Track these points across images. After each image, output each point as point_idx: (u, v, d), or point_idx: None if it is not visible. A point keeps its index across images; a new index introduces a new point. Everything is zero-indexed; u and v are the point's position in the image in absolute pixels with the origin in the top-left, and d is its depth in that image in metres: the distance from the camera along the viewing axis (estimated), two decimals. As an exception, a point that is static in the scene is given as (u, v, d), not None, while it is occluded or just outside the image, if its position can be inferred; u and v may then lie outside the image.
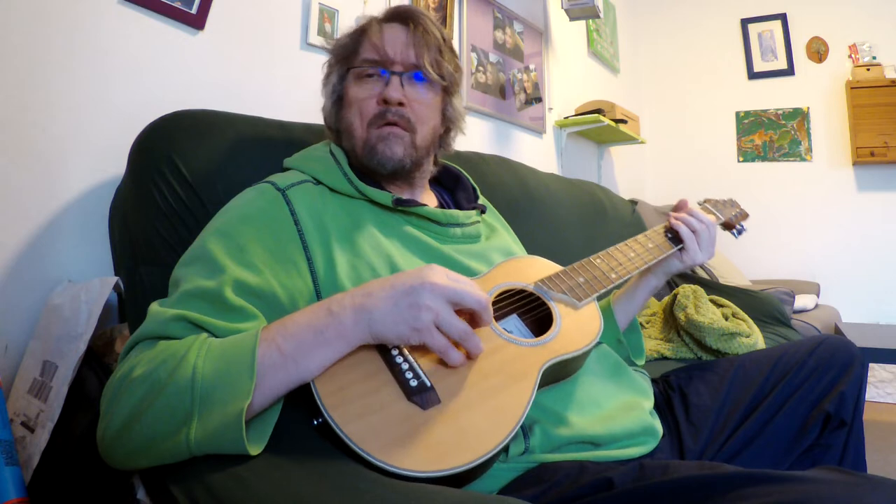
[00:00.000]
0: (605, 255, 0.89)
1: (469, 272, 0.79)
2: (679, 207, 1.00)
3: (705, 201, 1.07)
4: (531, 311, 0.77)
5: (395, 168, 0.82)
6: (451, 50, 0.88)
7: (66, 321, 0.90)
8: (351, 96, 0.84)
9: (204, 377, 0.54)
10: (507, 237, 0.98)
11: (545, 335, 0.71)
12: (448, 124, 0.91)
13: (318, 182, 0.81)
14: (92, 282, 0.93)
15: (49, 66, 0.99)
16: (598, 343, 0.83)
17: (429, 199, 0.91)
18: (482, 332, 0.67)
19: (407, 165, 0.83)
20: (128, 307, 0.90)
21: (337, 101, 0.87)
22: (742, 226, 1.10)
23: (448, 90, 0.88)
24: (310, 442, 0.58)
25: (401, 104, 0.81)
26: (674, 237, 0.96)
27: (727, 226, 1.07)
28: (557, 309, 0.76)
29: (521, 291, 0.78)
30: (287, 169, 0.86)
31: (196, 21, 1.22)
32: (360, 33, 0.85)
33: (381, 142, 0.81)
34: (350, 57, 0.84)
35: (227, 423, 0.53)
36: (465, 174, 0.98)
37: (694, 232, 0.95)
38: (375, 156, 0.81)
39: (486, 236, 0.92)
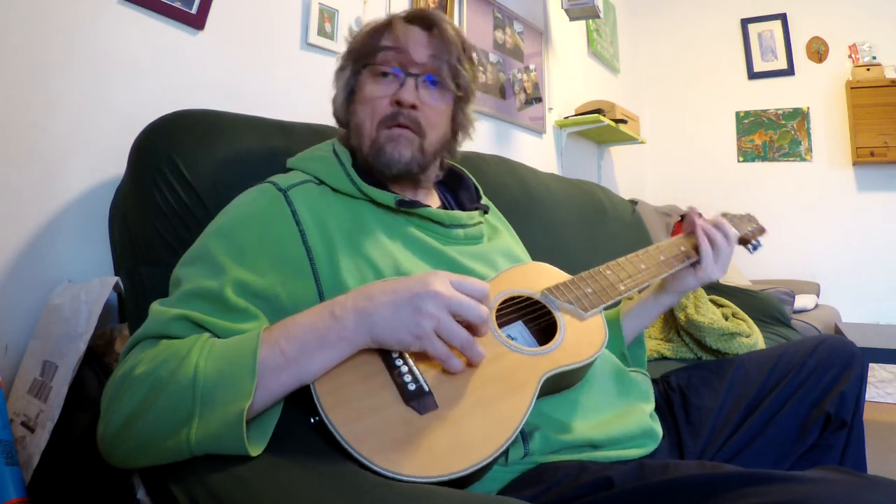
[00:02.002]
0: (614, 266, 0.87)
1: (472, 274, 0.79)
2: (694, 215, 0.97)
3: (723, 215, 1.05)
4: (537, 319, 0.77)
5: (401, 171, 0.81)
6: (471, 59, 0.87)
7: (66, 321, 0.90)
8: (364, 94, 0.82)
9: (206, 377, 0.55)
10: (509, 238, 0.98)
11: (548, 344, 0.71)
12: (457, 129, 0.90)
13: (321, 182, 0.81)
14: (92, 282, 0.93)
15: (49, 66, 0.99)
16: None
17: (432, 200, 0.91)
18: (485, 338, 0.66)
19: (413, 169, 0.82)
20: (128, 307, 0.90)
21: (349, 95, 0.86)
22: (758, 241, 1.07)
23: (461, 98, 0.87)
24: (310, 442, 0.58)
25: (413, 107, 0.80)
26: (686, 251, 0.94)
27: (743, 241, 1.05)
28: (563, 318, 0.75)
29: (528, 299, 0.77)
30: (290, 169, 0.86)
31: (196, 21, 1.22)
32: (380, 30, 0.83)
33: (389, 142, 0.80)
34: (368, 53, 0.83)
35: (227, 424, 0.53)
36: (468, 174, 0.98)
37: (714, 246, 0.92)
38: (383, 156, 0.80)
39: (488, 237, 0.91)
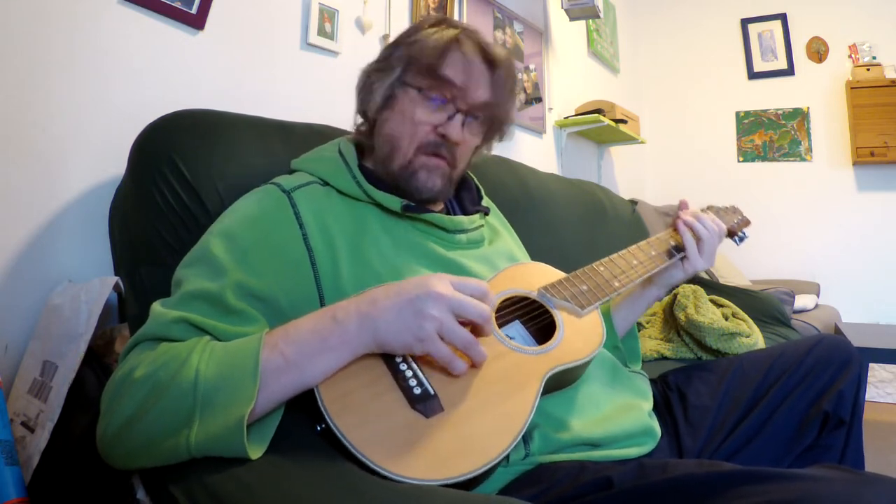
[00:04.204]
0: (607, 263, 0.88)
1: (475, 277, 0.78)
2: (681, 208, 0.99)
3: (708, 208, 1.07)
4: (534, 318, 0.77)
5: (430, 198, 0.82)
6: (514, 93, 0.87)
7: (66, 321, 0.90)
8: (407, 112, 0.80)
9: (206, 380, 0.54)
10: (510, 240, 0.98)
11: (548, 343, 0.71)
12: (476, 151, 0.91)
13: (326, 184, 0.80)
14: (92, 282, 0.93)
15: (49, 66, 0.99)
16: None
17: (435, 204, 0.90)
18: (485, 339, 0.66)
19: (440, 197, 0.84)
20: (128, 307, 0.90)
21: (388, 99, 0.82)
22: (744, 233, 1.09)
23: (496, 134, 0.89)
24: (311, 444, 0.58)
25: (456, 143, 0.80)
26: (677, 245, 0.95)
27: (729, 233, 1.07)
28: (560, 316, 0.75)
29: (525, 298, 0.77)
30: (294, 170, 0.86)
31: (196, 21, 1.23)
32: (444, 52, 0.78)
33: (424, 170, 0.80)
34: (427, 71, 0.79)
35: (228, 427, 0.53)
36: (470, 175, 0.98)
37: (699, 241, 0.94)
38: (415, 182, 0.80)
39: (489, 240, 0.91)
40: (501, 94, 0.82)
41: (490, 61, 0.81)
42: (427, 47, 0.79)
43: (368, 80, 0.85)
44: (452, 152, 0.81)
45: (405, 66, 0.81)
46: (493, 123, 0.85)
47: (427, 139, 0.79)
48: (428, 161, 0.80)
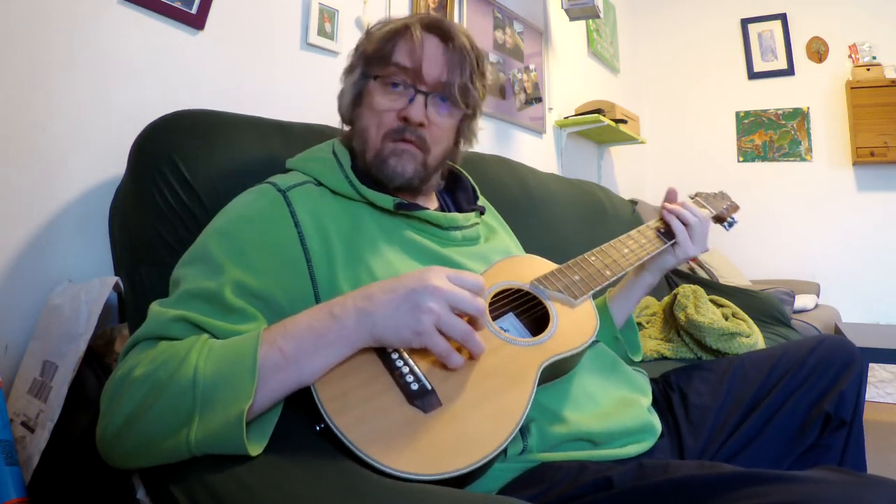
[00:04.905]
0: (599, 253, 0.89)
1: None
2: (669, 198, 1.00)
3: (696, 195, 1.07)
4: (528, 309, 0.77)
5: (403, 184, 0.81)
6: (483, 74, 0.86)
7: (66, 321, 0.90)
8: (372, 102, 0.81)
9: (205, 378, 0.55)
10: (506, 238, 0.98)
11: (542, 334, 0.71)
12: (460, 141, 0.90)
13: (320, 184, 0.81)
14: (92, 282, 0.93)
15: (49, 66, 0.99)
16: (596, 341, 0.84)
17: (430, 203, 0.91)
18: (480, 332, 0.67)
19: (414, 183, 0.82)
20: (128, 307, 0.90)
21: (357, 96, 0.85)
22: (733, 218, 1.09)
23: (468, 115, 0.86)
24: (311, 443, 0.58)
25: (420, 125, 0.80)
26: (666, 232, 0.96)
27: (718, 219, 1.07)
28: (554, 307, 0.76)
29: (518, 290, 0.78)
30: (289, 170, 0.86)
31: (196, 21, 1.22)
32: (395, 38, 0.80)
33: (393, 156, 0.80)
34: (379, 63, 0.81)
35: (228, 424, 0.53)
36: (466, 174, 0.98)
37: (686, 225, 0.95)
38: (386, 169, 0.80)
39: (485, 238, 0.92)
40: (460, 70, 0.81)
41: (444, 39, 0.81)
42: (377, 38, 0.82)
43: (342, 83, 0.88)
44: (420, 135, 0.80)
45: (364, 62, 0.84)
46: (461, 99, 0.82)
47: (392, 125, 0.80)
48: (395, 147, 0.80)
